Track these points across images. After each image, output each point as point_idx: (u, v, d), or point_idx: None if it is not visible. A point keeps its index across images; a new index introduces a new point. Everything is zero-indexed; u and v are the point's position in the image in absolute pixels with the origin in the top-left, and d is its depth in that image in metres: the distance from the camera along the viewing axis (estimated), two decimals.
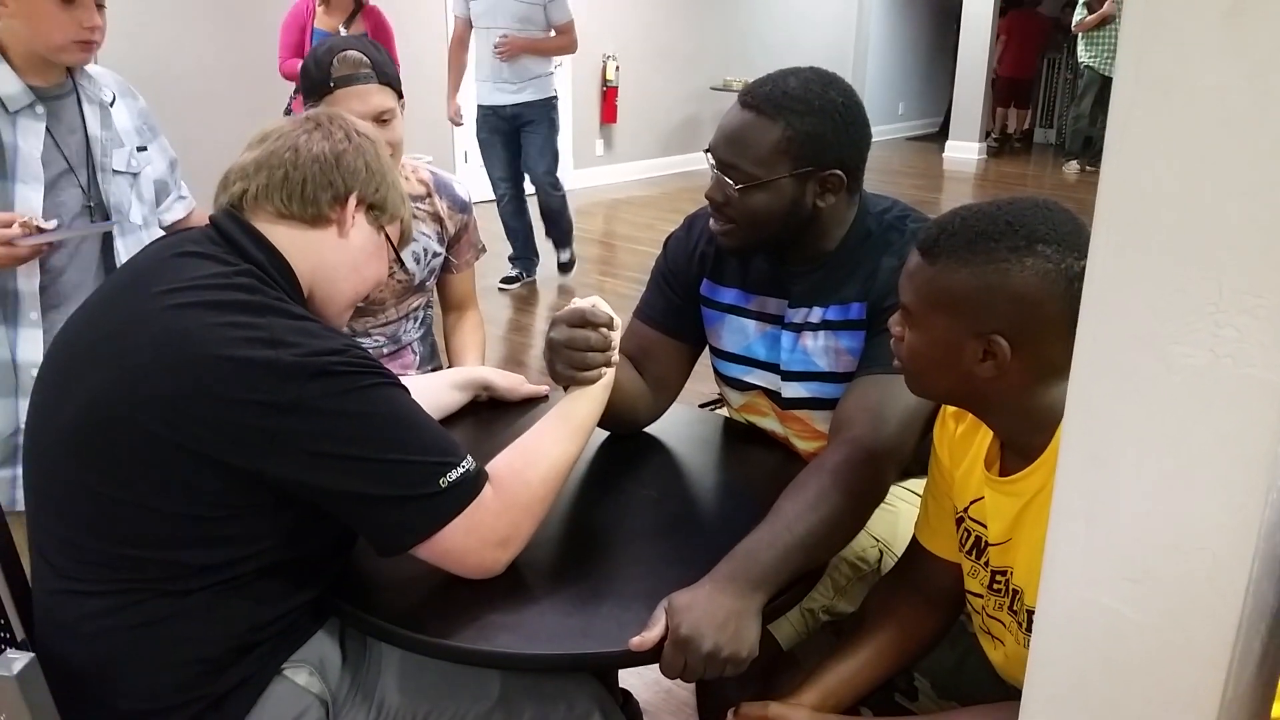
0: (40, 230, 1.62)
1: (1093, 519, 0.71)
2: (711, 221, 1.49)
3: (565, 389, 1.33)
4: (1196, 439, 0.64)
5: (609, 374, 1.34)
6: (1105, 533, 0.71)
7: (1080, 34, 8.64)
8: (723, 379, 1.67)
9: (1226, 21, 0.53)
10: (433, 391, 1.62)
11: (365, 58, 1.79)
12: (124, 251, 1.82)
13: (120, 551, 1.09)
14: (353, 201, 1.24)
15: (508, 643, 1.11)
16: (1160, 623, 0.70)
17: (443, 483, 1.10)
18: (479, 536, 1.13)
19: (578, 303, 1.37)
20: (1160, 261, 0.62)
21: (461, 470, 1.12)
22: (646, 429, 1.66)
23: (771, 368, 1.57)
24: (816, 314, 1.50)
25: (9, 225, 1.58)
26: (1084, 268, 1.03)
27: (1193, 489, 0.65)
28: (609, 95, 8.20)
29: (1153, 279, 0.62)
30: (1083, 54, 8.71)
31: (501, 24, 4.94)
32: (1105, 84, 8.68)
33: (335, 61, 1.77)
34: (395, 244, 1.33)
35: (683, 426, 1.70)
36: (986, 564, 1.20)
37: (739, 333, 1.60)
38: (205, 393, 1.04)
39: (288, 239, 1.21)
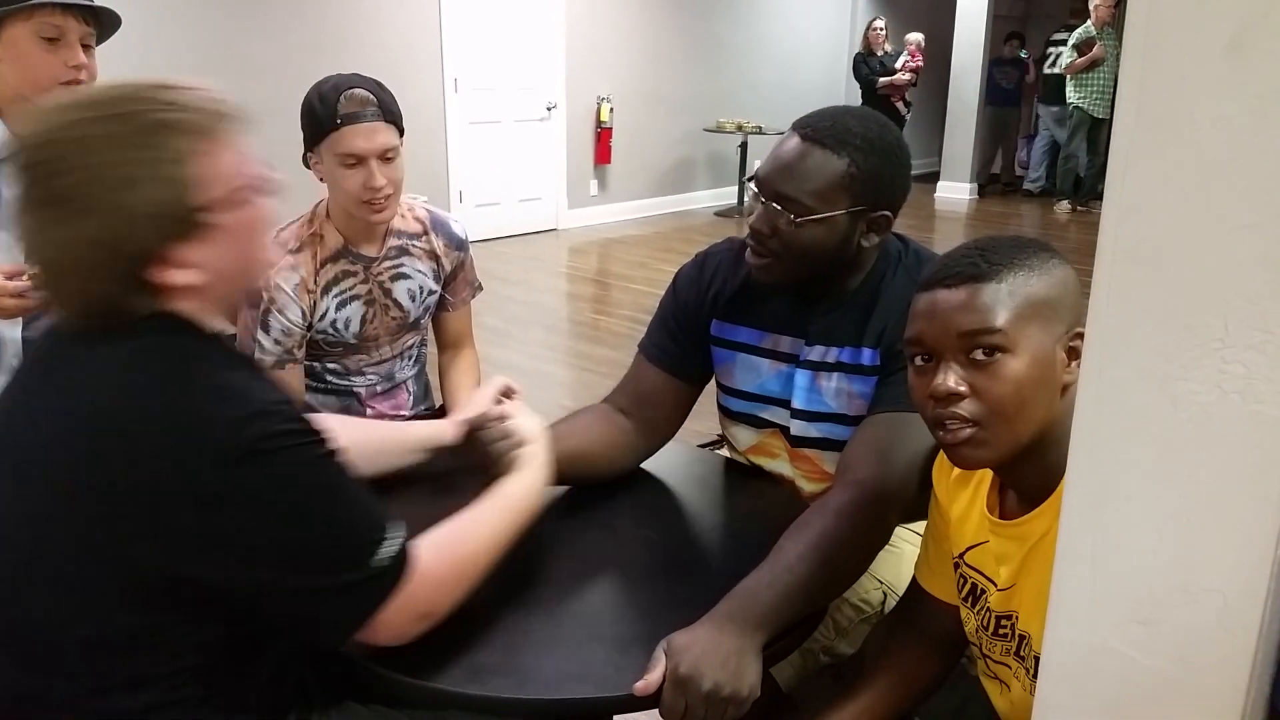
0: None
1: (1099, 560, 0.70)
2: (749, 254, 1.46)
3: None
4: (1205, 477, 0.63)
5: (535, 453, 1.31)
6: (1112, 574, 0.70)
7: (1069, 76, 8.76)
8: (732, 417, 1.64)
9: (1229, 55, 0.53)
10: (388, 455, 1.48)
11: (371, 95, 1.80)
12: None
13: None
14: (163, 255, 0.99)
15: (501, 687, 1.08)
16: (1170, 667, 0.68)
17: (374, 562, 1.02)
18: (403, 610, 1.06)
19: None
20: (1165, 297, 0.61)
21: (392, 541, 1.04)
22: (646, 468, 1.64)
23: (784, 404, 1.55)
24: (832, 354, 1.49)
25: (21, 275, 1.56)
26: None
27: (1202, 529, 0.64)
28: (603, 136, 8.26)
29: (1158, 315, 0.61)
30: (1072, 95, 8.82)
31: None
32: (1094, 124, 8.80)
33: (342, 99, 1.78)
34: (262, 177, 1.07)
35: (681, 466, 1.69)
36: (983, 610, 1.18)
37: (752, 371, 1.57)
38: (121, 481, 0.95)
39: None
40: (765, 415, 1.58)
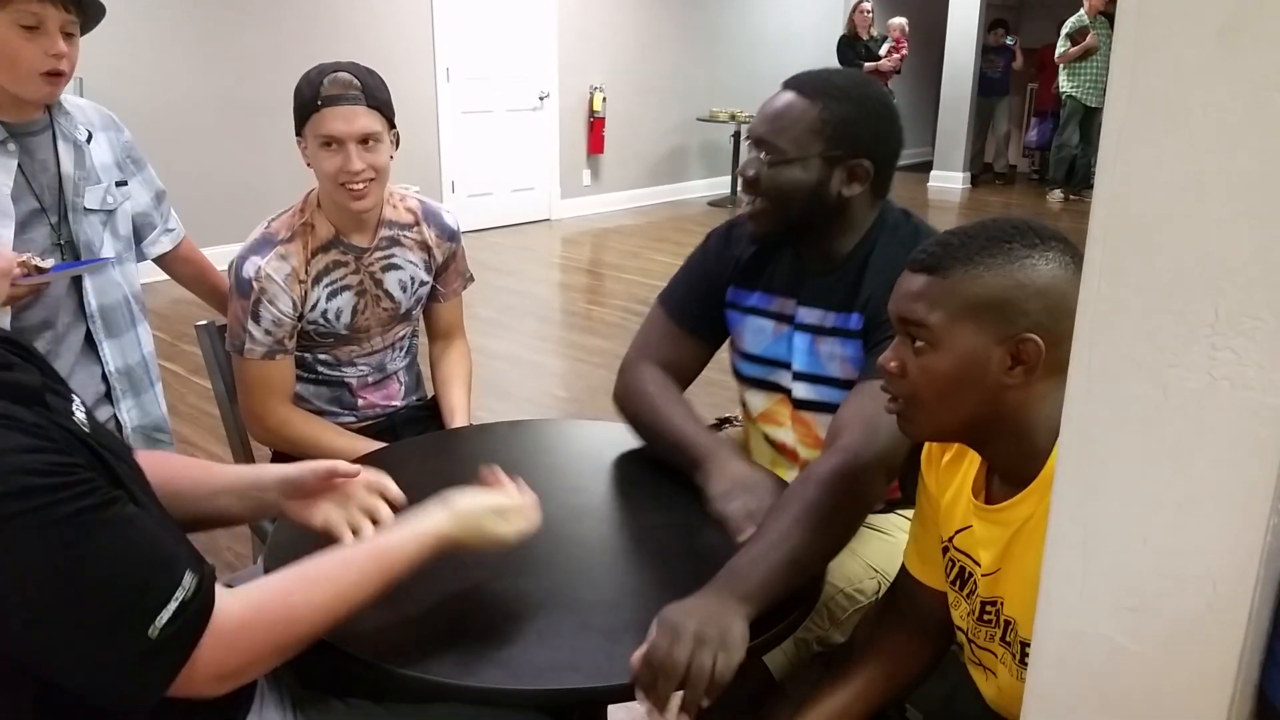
0: (39, 270, 1.60)
1: (1089, 547, 0.70)
2: (745, 204, 1.56)
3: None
4: (1195, 464, 0.63)
5: (452, 509, 1.16)
6: (1102, 561, 0.70)
7: (1062, 65, 8.74)
8: (745, 381, 1.70)
9: (1221, 39, 0.53)
10: (194, 499, 1.26)
11: (356, 80, 1.79)
12: (93, 288, 1.81)
13: None
14: None
15: (493, 678, 1.08)
16: (1159, 653, 0.69)
17: (153, 631, 0.89)
18: (205, 671, 0.94)
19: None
20: (1155, 284, 0.61)
21: (176, 605, 0.91)
22: (638, 457, 1.64)
23: (787, 367, 1.61)
24: (830, 319, 1.54)
25: (23, 263, 1.56)
26: None
27: (1191, 515, 0.64)
28: (596, 126, 8.24)
29: (1147, 302, 0.61)
30: (1065, 84, 8.81)
31: None
32: (1087, 113, 8.80)
33: (325, 82, 1.78)
34: None
35: None
36: (972, 594, 1.18)
37: (759, 334, 1.64)
38: None
39: None
40: (772, 379, 1.64)
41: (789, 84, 1.51)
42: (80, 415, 1.05)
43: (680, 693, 1.05)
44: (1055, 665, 0.75)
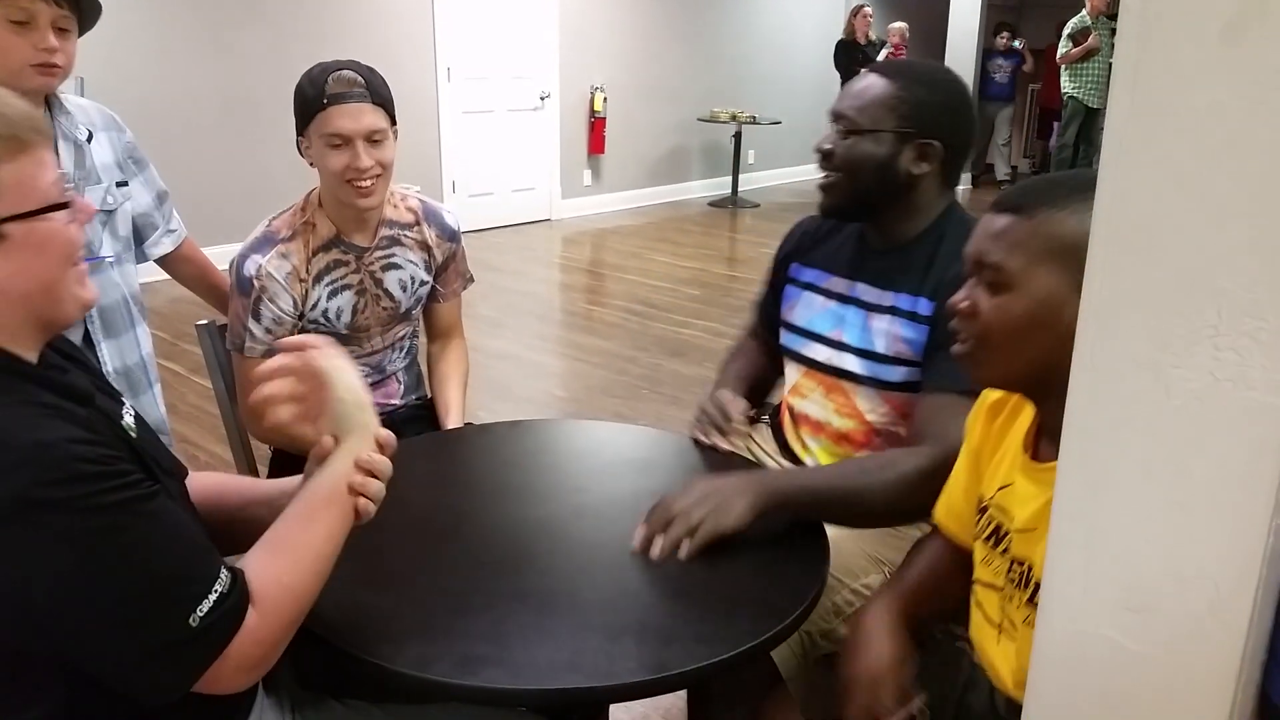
0: None
1: (1091, 547, 0.70)
2: (820, 176, 1.64)
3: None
4: (1197, 465, 0.63)
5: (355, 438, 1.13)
6: (1104, 561, 0.70)
7: (1064, 66, 8.74)
8: (786, 353, 1.78)
9: (1224, 40, 0.53)
10: (224, 508, 1.26)
11: (360, 77, 1.80)
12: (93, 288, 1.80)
13: None
14: None
15: (494, 678, 1.08)
16: (1160, 654, 0.69)
17: (194, 620, 0.92)
18: (232, 665, 0.97)
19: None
20: (1158, 284, 0.61)
21: (216, 596, 0.94)
22: (638, 456, 1.64)
23: (825, 341, 1.67)
24: (889, 298, 1.60)
25: None
26: None
27: (1194, 516, 0.64)
28: (597, 126, 8.24)
29: (1150, 302, 0.61)
30: (1066, 85, 8.80)
31: None
32: (1089, 114, 8.79)
33: (330, 80, 1.78)
34: (65, 199, 0.99)
35: (673, 456, 1.69)
36: (1005, 552, 1.17)
37: (808, 307, 1.72)
38: None
39: None
40: (807, 352, 1.71)
41: (872, 68, 1.61)
42: (129, 420, 1.08)
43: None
44: (1056, 664, 0.75)
